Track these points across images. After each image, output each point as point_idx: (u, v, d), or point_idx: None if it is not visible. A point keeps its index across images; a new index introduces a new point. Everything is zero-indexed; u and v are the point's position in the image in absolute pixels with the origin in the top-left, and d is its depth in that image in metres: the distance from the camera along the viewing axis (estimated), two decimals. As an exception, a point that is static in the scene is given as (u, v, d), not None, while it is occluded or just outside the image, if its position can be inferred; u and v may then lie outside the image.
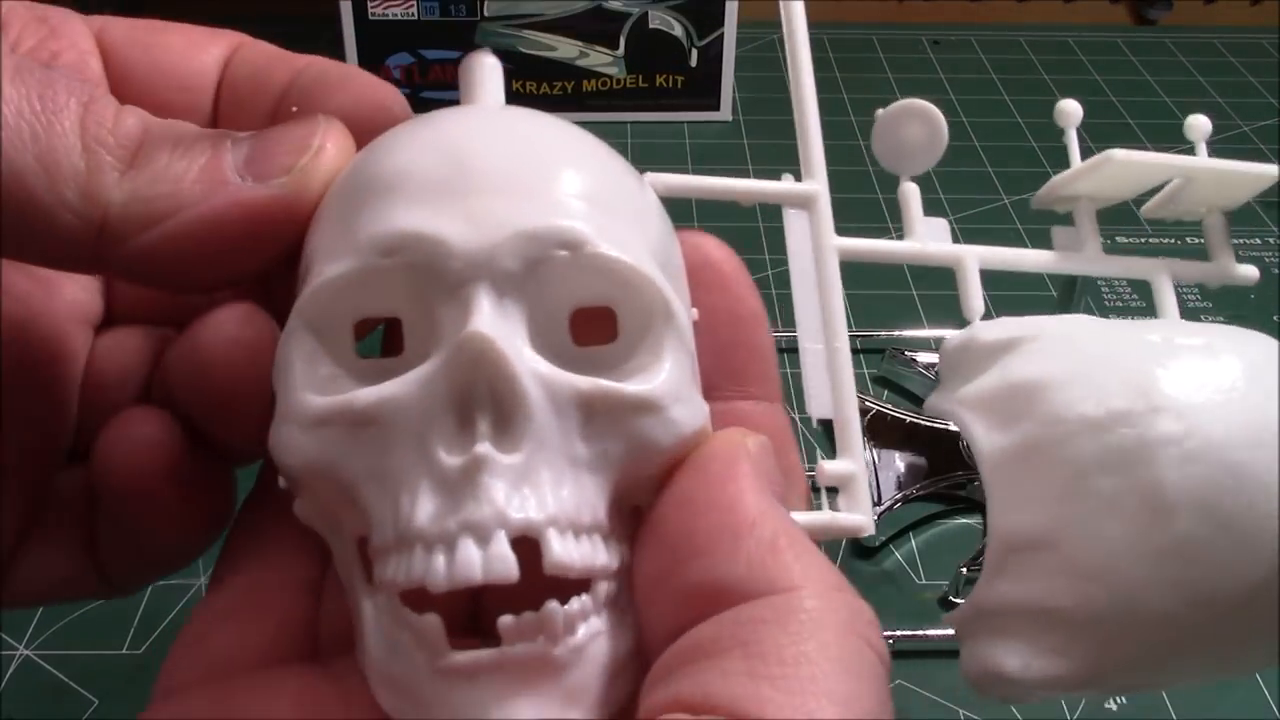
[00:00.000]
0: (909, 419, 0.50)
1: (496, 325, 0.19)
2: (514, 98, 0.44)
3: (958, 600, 0.45)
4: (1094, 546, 0.22)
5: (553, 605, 0.18)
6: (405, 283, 0.19)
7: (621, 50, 0.73)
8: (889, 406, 0.50)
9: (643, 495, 0.20)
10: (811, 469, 0.24)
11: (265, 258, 0.21)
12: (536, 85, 0.74)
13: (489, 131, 0.21)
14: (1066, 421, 0.23)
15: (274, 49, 0.26)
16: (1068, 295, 0.49)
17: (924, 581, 0.46)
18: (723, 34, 0.72)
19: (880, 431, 0.49)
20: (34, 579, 0.24)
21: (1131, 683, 0.24)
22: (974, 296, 0.27)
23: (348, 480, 0.19)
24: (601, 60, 0.73)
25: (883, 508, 0.47)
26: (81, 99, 0.21)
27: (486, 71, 0.24)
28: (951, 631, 0.25)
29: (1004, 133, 0.75)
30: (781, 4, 0.27)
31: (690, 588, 0.18)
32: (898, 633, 0.43)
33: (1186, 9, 0.89)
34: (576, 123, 0.23)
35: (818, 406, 0.25)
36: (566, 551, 0.18)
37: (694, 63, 0.74)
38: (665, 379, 0.19)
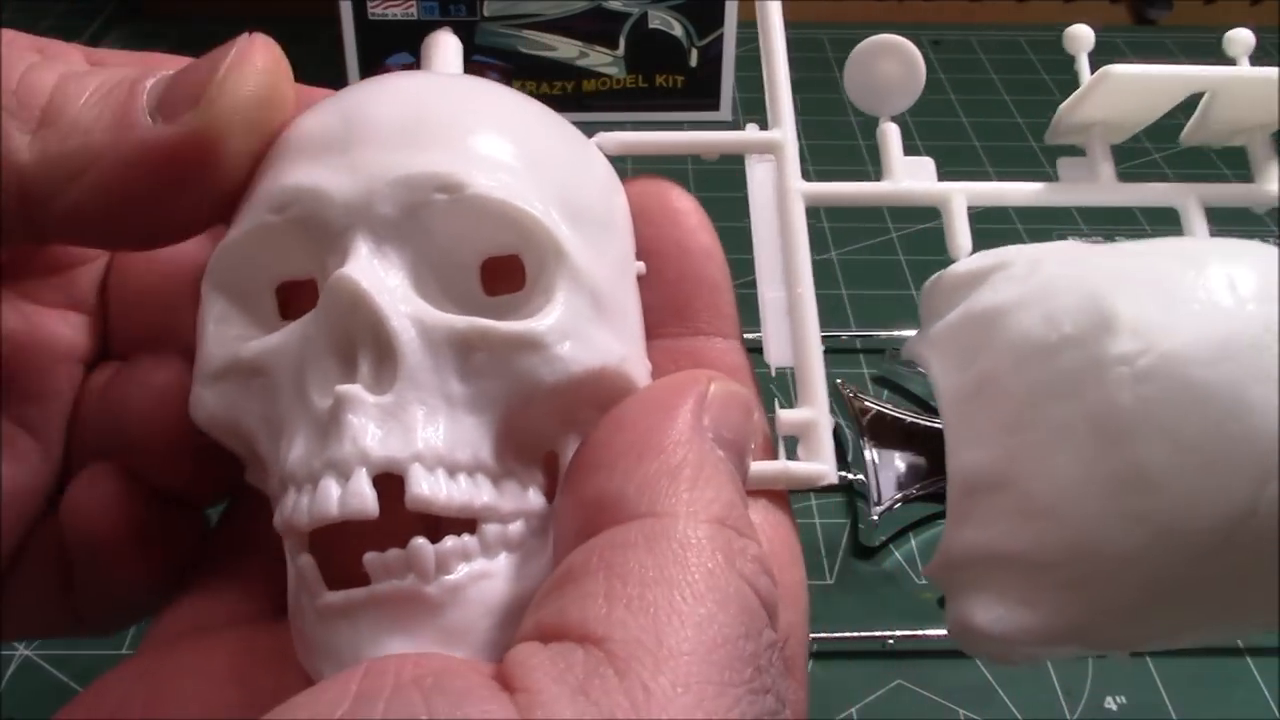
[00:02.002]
0: (909, 419, 0.50)
1: (370, 270, 0.19)
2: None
3: (957, 600, 0.45)
4: (1044, 481, 0.21)
5: (419, 542, 0.18)
6: (300, 240, 0.20)
7: (621, 50, 0.73)
8: (889, 406, 0.50)
9: (556, 440, 0.20)
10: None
11: (194, 203, 0.20)
12: (536, 85, 0.74)
13: (394, 90, 0.21)
14: (1018, 348, 0.21)
15: None
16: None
17: (924, 581, 0.46)
18: (723, 34, 0.72)
19: (880, 432, 0.49)
20: (12, 619, 0.24)
21: (1117, 638, 0.22)
22: (960, 234, 0.25)
23: (246, 432, 0.20)
24: (601, 60, 0.73)
25: (883, 508, 0.47)
26: None
27: (438, 48, 0.25)
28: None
29: (1004, 133, 0.75)
30: None
31: (583, 501, 0.17)
32: (897, 633, 0.43)
33: (1186, 9, 0.89)
34: (575, 123, 0.23)
35: (777, 354, 0.24)
36: (433, 488, 0.18)
37: (694, 63, 0.74)
38: (549, 317, 0.19)
